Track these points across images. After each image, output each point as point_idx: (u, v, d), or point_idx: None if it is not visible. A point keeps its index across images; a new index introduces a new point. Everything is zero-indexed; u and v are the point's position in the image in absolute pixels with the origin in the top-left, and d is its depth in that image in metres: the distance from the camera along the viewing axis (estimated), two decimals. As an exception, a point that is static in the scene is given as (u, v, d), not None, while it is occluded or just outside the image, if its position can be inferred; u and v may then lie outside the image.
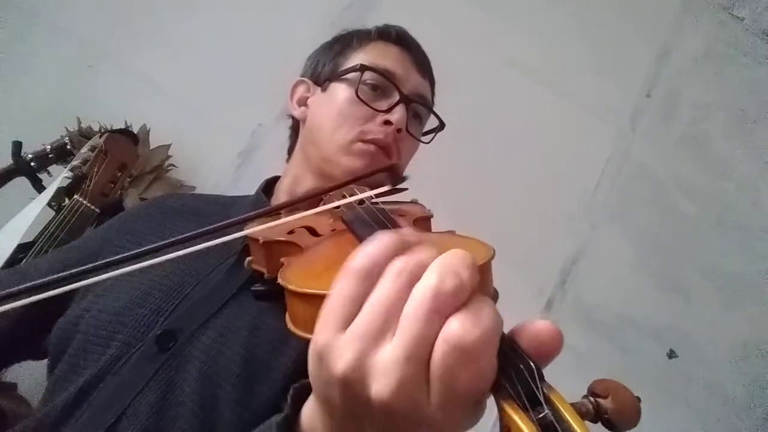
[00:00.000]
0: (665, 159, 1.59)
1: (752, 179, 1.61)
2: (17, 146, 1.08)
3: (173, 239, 0.39)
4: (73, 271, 0.35)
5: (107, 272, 0.36)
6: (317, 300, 0.35)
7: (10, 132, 1.12)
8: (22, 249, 0.97)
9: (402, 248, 0.28)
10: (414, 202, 0.68)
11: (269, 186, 0.82)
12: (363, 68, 0.72)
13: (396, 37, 0.78)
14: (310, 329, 0.36)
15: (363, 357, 0.26)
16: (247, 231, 0.48)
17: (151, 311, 0.59)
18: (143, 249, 0.38)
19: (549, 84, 1.56)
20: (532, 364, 0.25)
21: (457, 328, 0.24)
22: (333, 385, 0.27)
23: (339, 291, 0.28)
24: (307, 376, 0.54)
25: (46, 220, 1.00)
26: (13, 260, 0.95)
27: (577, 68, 1.59)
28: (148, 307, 0.59)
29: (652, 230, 1.55)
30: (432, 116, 0.83)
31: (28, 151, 1.08)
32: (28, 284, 0.35)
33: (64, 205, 1.01)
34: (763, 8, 1.65)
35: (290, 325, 0.38)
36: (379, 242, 0.28)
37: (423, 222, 0.63)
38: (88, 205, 1.00)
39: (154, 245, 0.38)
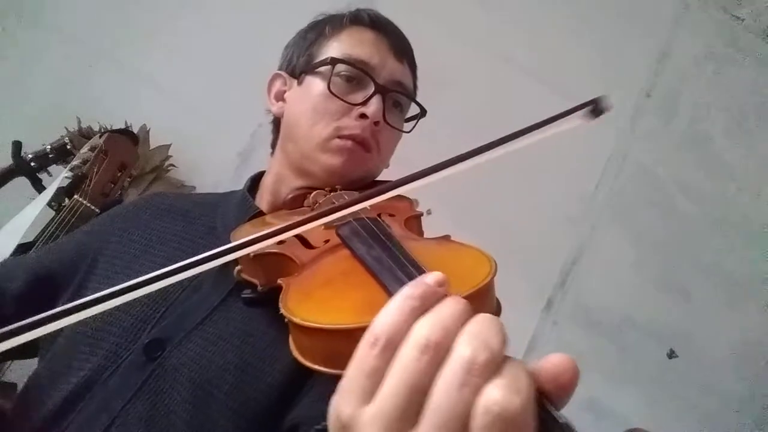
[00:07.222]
0: (665, 159, 1.59)
1: (752, 179, 1.61)
2: (17, 146, 1.08)
3: (166, 270, 0.34)
4: (57, 310, 0.31)
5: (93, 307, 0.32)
6: (323, 334, 0.34)
7: (10, 132, 1.12)
8: (22, 249, 0.96)
9: (422, 307, 0.27)
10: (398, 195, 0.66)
11: (255, 181, 0.80)
12: (334, 61, 0.68)
13: (369, 21, 0.73)
14: (319, 361, 0.35)
15: None
16: (235, 255, 0.41)
17: (138, 319, 0.57)
18: (138, 280, 0.33)
19: (549, 83, 1.56)
20: (564, 421, 0.24)
21: (498, 397, 0.23)
22: None
23: (360, 361, 0.26)
24: (301, 381, 0.54)
25: (46, 220, 1.00)
26: (13, 260, 0.95)
27: (577, 68, 1.59)
28: (133, 314, 0.58)
29: (652, 230, 1.55)
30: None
31: (28, 151, 1.08)
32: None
33: (64, 205, 1.00)
34: (763, 8, 1.65)
35: (297, 354, 0.37)
36: (398, 307, 0.27)
37: (414, 221, 0.61)
38: (88, 205, 1.00)
39: (148, 276, 0.33)
